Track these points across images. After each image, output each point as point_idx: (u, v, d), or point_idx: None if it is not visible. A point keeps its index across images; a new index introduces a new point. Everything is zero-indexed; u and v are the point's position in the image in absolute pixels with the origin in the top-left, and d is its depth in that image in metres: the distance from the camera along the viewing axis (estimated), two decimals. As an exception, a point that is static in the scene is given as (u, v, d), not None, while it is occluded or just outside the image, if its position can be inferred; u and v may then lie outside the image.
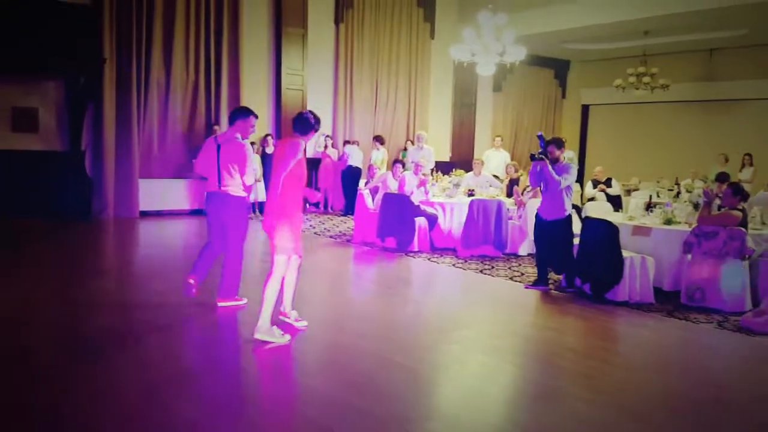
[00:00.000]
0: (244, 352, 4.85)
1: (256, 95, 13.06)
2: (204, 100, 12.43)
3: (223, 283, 5.78)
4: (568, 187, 6.87)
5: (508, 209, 9.19)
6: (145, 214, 11.77)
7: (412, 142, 13.73)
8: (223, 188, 5.59)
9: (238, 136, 5.67)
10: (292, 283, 5.22)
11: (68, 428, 3.45)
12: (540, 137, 6.98)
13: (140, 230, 10.73)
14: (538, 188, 7.26)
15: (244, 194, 5.72)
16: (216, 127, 12.09)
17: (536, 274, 7.37)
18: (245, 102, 12.72)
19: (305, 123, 5.09)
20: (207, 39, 12.34)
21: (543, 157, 6.76)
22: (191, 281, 5.68)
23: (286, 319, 5.30)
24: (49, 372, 4.18)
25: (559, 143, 6.92)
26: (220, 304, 5.77)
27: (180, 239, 10.44)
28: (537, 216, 7.15)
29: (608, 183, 12.19)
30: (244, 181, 5.65)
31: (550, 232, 6.96)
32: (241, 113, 5.78)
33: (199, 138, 12.16)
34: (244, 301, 5.85)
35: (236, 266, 5.77)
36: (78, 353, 4.56)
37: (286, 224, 4.89)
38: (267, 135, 12.94)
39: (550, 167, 6.74)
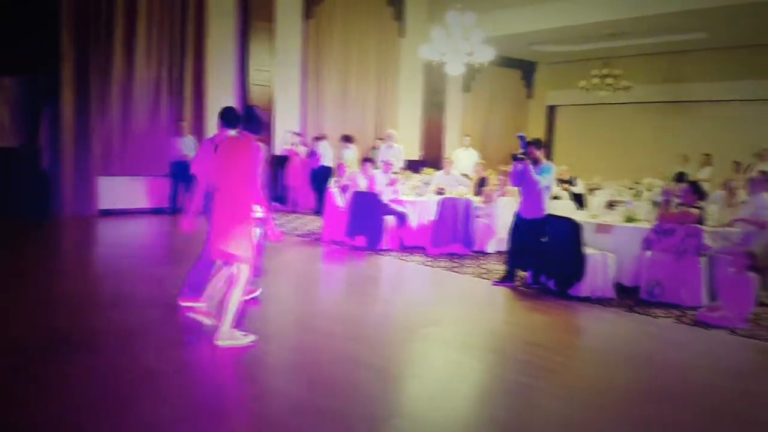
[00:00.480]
0: (208, 354, 4.76)
1: (221, 91, 12.84)
2: (167, 96, 12.15)
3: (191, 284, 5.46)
4: (547, 187, 7.04)
5: (476, 207, 9.33)
6: (105, 213, 11.48)
7: (383, 140, 13.80)
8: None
9: (233, 134, 5.32)
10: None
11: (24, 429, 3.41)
12: (521, 138, 7.14)
13: (99, 229, 10.48)
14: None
15: None
16: (183, 123, 11.92)
17: (504, 271, 7.53)
18: (210, 98, 12.56)
19: (260, 122, 4.88)
20: (170, 33, 12.04)
21: (524, 157, 6.91)
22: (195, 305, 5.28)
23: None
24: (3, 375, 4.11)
25: (539, 144, 7.11)
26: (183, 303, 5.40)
27: (141, 238, 10.26)
28: (516, 215, 7.33)
29: (572, 182, 12.43)
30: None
31: (528, 231, 7.13)
32: (233, 116, 5.52)
33: (161, 135, 11.95)
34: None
35: (207, 267, 5.36)
36: (36, 354, 4.48)
37: (246, 231, 4.73)
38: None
39: (531, 167, 6.91)
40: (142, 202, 12.20)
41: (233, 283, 4.77)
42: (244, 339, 4.80)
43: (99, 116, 11.41)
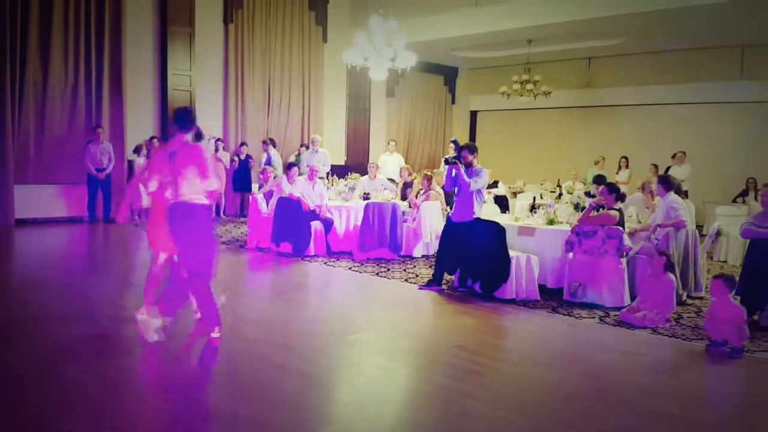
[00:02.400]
0: (128, 364, 4.63)
1: (140, 96, 12.58)
2: (84, 101, 11.76)
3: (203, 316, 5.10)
4: (479, 191, 7.09)
5: (402, 212, 9.32)
6: (21, 222, 11.05)
7: (306, 147, 13.67)
8: (182, 197, 4.90)
9: (189, 138, 5.04)
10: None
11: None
12: (454, 142, 7.39)
13: (16, 239, 10.05)
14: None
15: (206, 202, 5.02)
16: (99, 130, 11.52)
17: (430, 275, 7.55)
18: (129, 102, 12.22)
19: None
20: (87, 37, 11.69)
21: (456, 161, 7.00)
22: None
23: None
24: None
25: (472, 149, 7.23)
26: (212, 335, 4.99)
27: (60, 248, 9.87)
28: (448, 219, 7.42)
29: (495, 185, 12.66)
30: (208, 185, 4.96)
31: (456, 234, 7.17)
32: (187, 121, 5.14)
33: (78, 141, 11.52)
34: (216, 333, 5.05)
35: (206, 291, 5.03)
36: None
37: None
38: (152, 137, 12.47)
39: (462, 171, 6.96)
40: (60, 210, 11.77)
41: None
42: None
43: (13, 123, 10.93)
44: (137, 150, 12.01)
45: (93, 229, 11.27)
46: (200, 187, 4.91)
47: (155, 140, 12.32)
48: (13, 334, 5.18)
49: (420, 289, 7.33)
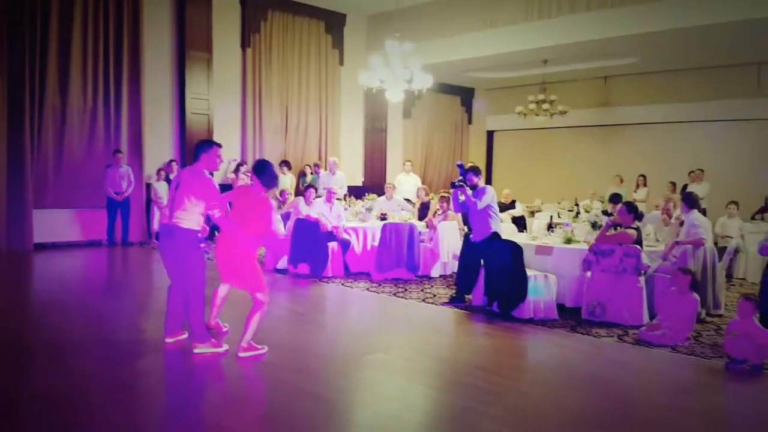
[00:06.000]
0: (145, 388, 4.65)
1: (158, 120, 12.72)
2: (103, 125, 11.87)
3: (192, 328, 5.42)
4: (490, 207, 7.17)
5: (419, 232, 9.34)
6: (40, 246, 11.13)
7: (310, 168, 13.93)
8: (173, 220, 5.18)
9: (205, 171, 5.29)
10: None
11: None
12: (460, 166, 7.53)
13: (35, 263, 10.11)
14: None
15: (196, 228, 5.24)
16: (119, 154, 11.64)
17: (447, 295, 7.63)
18: (147, 127, 12.36)
19: (273, 177, 5.42)
20: (106, 61, 11.84)
21: (462, 183, 7.16)
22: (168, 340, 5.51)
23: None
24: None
25: (477, 171, 7.41)
26: (195, 350, 5.30)
27: (78, 271, 9.92)
28: (467, 238, 7.54)
29: (512, 206, 12.65)
30: (212, 215, 5.18)
31: (475, 253, 7.28)
32: (203, 146, 5.34)
33: (96, 166, 11.62)
34: (225, 347, 5.41)
35: (199, 308, 5.38)
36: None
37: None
38: (171, 161, 12.64)
39: (469, 192, 7.10)
40: (78, 234, 11.84)
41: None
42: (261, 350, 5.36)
43: (33, 148, 11.07)
44: (158, 173, 12.17)
45: (111, 252, 11.34)
46: (194, 215, 5.23)
47: (174, 164, 12.49)
48: (32, 357, 5.23)
49: (442, 305, 7.42)
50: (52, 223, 11.45)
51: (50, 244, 11.37)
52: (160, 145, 12.79)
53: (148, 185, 12.38)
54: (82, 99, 11.64)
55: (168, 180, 12.00)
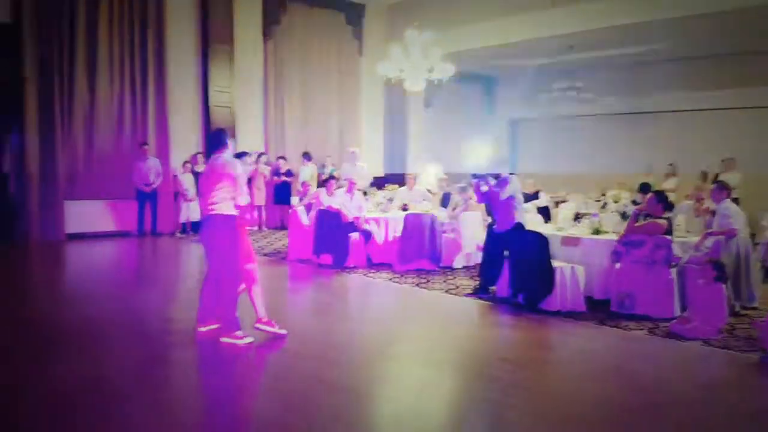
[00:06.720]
0: (178, 376, 4.69)
1: (183, 113, 12.83)
2: (130, 118, 12.09)
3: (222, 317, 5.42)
4: (513, 197, 7.03)
5: (441, 223, 9.22)
6: (72, 237, 11.36)
7: (330, 159, 13.80)
8: (209, 208, 5.26)
9: (225, 155, 5.36)
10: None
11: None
12: None
13: (67, 253, 10.32)
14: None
15: (234, 212, 5.31)
16: (146, 147, 11.77)
17: (471, 286, 7.54)
18: (173, 120, 12.47)
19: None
20: (131, 56, 12.04)
21: (483, 173, 7.04)
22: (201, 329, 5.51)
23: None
24: None
25: None
26: (222, 339, 5.32)
27: (109, 261, 10.09)
28: (490, 229, 7.42)
29: (537, 195, 12.43)
30: (237, 200, 5.28)
31: (498, 244, 7.14)
32: (224, 138, 5.44)
33: (125, 158, 11.82)
34: (249, 339, 5.32)
35: (230, 297, 5.37)
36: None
37: None
38: (197, 153, 12.67)
39: (491, 181, 6.99)
40: (109, 225, 12.06)
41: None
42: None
43: (64, 140, 11.32)
44: (183, 165, 12.23)
45: (141, 242, 11.50)
46: (228, 200, 5.25)
47: (200, 156, 12.51)
48: (65, 346, 5.26)
49: (466, 296, 7.29)
50: (83, 214, 11.68)
51: (81, 235, 11.58)
52: (185, 138, 12.88)
53: (175, 177, 12.44)
54: (109, 93, 11.84)
55: (194, 172, 12.05)
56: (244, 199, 5.31)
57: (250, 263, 5.46)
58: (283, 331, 5.46)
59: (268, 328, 5.44)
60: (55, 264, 9.68)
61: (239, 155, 5.66)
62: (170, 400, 4.22)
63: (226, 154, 5.36)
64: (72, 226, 11.47)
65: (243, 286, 5.55)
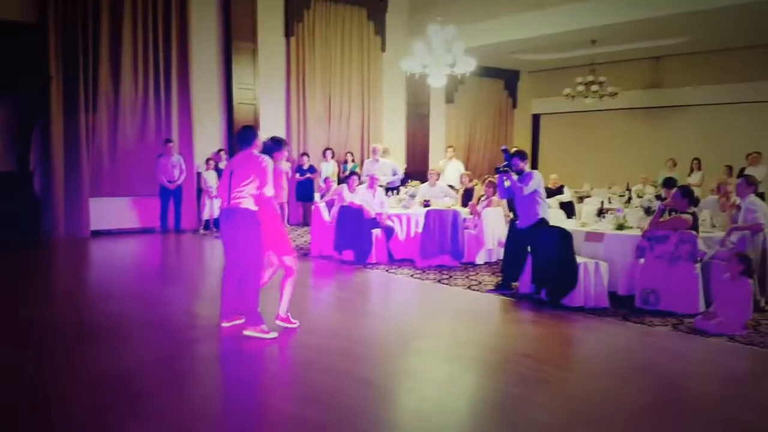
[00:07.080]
0: (202, 371, 4.76)
1: (207, 110, 12.90)
2: (154, 116, 12.17)
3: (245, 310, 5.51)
4: (537, 192, 7.00)
5: (463, 219, 9.21)
6: (96, 234, 11.50)
7: (352, 156, 13.86)
8: (233, 202, 5.31)
9: (255, 151, 5.42)
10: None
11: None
12: (504, 151, 7.25)
13: (91, 250, 10.46)
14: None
15: (255, 208, 5.34)
16: (170, 144, 11.87)
17: (493, 282, 7.53)
18: (196, 117, 12.56)
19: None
20: (155, 54, 12.12)
21: (507, 169, 7.00)
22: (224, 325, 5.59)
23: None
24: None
25: (523, 155, 7.21)
26: (245, 332, 5.40)
27: (133, 258, 10.19)
28: (513, 225, 7.38)
29: (560, 190, 12.35)
30: (264, 192, 5.29)
31: (521, 240, 7.11)
32: (253, 135, 5.48)
33: (150, 155, 11.92)
34: (274, 334, 5.41)
35: (253, 291, 5.43)
36: (30, 377, 4.36)
37: None
38: (220, 150, 12.78)
39: (514, 177, 6.96)
40: (133, 222, 12.18)
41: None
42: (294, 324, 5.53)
43: (88, 137, 11.44)
44: (207, 162, 12.33)
45: (165, 239, 11.63)
46: (252, 194, 5.31)
47: (222, 153, 12.62)
48: (90, 342, 5.35)
49: (488, 292, 7.29)
50: (107, 211, 11.80)
51: (106, 231, 11.72)
52: (209, 135, 12.96)
53: (198, 174, 12.54)
54: (133, 91, 11.94)
55: (217, 169, 12.15)
56: (270, 190, 5.30)
57: (288, 255, 5.52)
58: (295, 324, 5.59)
59: (285, 324, 5.54)
60: (80, 261, 9.82)
61: (278, 143, 5.67)
62: (196, 395, 4.28)
63: (256, 151, 5.40)
64: (96, 223, 11.60)
65: (270, 272, 5.67)
